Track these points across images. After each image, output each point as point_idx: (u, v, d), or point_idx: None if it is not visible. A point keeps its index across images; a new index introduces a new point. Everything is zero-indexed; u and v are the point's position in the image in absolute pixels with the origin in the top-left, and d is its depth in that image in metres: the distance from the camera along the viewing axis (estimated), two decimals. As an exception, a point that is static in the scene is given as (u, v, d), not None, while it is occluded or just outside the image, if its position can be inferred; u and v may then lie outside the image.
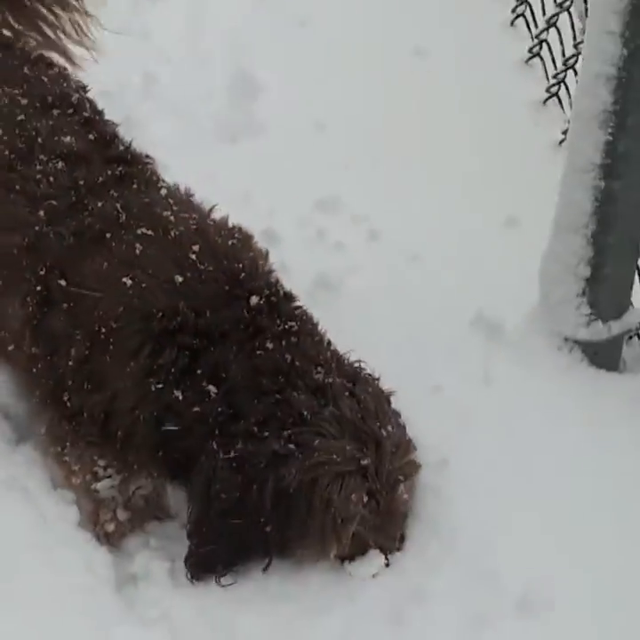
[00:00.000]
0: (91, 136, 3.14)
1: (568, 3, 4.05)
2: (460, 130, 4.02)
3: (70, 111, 3.19)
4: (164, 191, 3.10)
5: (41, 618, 2.89)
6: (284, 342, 2.91)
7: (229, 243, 3.02)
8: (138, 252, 2.95)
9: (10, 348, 3.08)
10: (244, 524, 2.88)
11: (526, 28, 4.36)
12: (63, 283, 2.96)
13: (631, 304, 3.36)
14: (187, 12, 4.37)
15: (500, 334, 3.41)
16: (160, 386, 2.88)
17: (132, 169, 3.12)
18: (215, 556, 2.93)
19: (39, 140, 3.10)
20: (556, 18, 4.12)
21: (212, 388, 2.87)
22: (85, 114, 3.20)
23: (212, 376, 2.88)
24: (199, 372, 2.88)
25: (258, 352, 2.89)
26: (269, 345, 2.89)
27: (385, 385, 3.06)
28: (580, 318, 3.30)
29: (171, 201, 3.07)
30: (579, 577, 2.95)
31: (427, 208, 3.80)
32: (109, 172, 3.08)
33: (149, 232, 2.98)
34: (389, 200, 3.80)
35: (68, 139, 3.11)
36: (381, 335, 3.29)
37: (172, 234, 2.98)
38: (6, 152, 3.08)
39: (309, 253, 3.54)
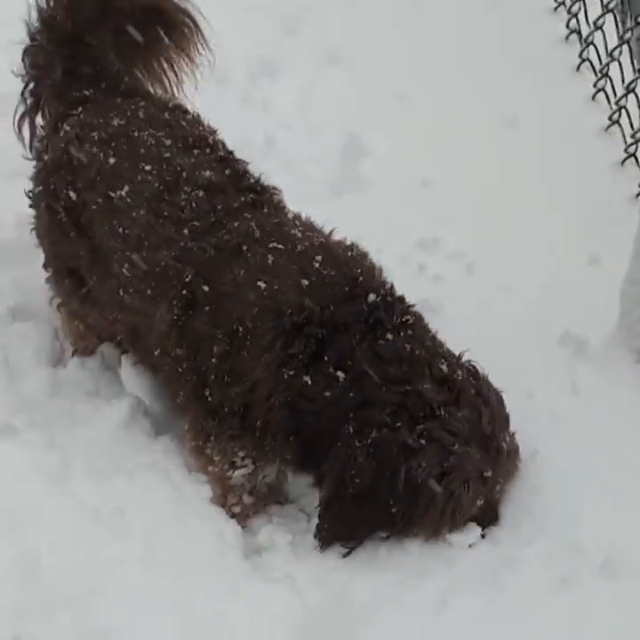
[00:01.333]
0: (226, 171, 3.35)
1: None
2: (546, 187, 4.15)
3: (208, 150, 3.40)
4: (290, 215, 3.31)
5: (180, 578, 3.05)
6: (402, 334, 3.07)
7: (348, 254, 3.21)
8: (270, 261, 3.14)
9: (156, 352, 3.26)
10: (374, 505, 3.02)
11: (606, 100, 4.47)
12: (206, 288, 3.15)
13: None
14: (301, 87, 4.53)
15: (586, 350, 3.53)
16: (292, 373, 3.04)
17: (263, 197, 3.32)
18: (346, 530, 3.08)
19: (183, 174, 3.31)
20: (634, 84, 4.20)
21: (340, 374, 3.02)
22: (220, 153, 3.42)
23: (339, 363, 3.04)
24: (326, 359, 3.04)
25: (379, 342, 3.04)
26: (389, 336, 3.05)
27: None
28: None
29: (297, 222, 3.27)
30: None
31: (518, 249, 3.91)
32: (243, 199, 3.28)
33: (280, 246, 3.17)
34: (485, 241, 3.92)
35: (207, 173, 3.32)
36: (478, 351, 3.29)
37: (299, 247, 3.18)
38: (156, 184, 3.29)
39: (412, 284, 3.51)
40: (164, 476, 3.32)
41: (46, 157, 3.52)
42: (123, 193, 3.33)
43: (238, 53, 4.18)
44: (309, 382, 3.06)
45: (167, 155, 3.37)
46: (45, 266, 3.58)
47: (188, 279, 3.19)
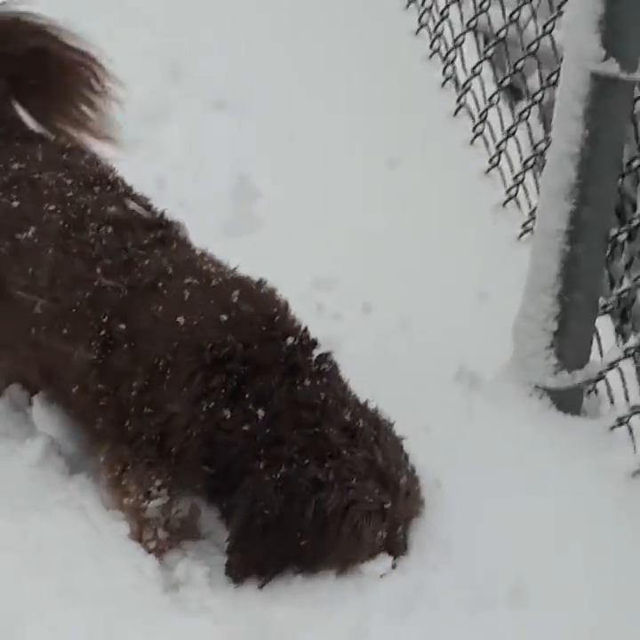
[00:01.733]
0: (128, 207, 3.41)
1: (526, 114, 4.23)
2: (434, 228, 4.25)
3: (108, 187, 3.45)
4: (198, 251, 3.39)
5: (101, 612, 3.04)
6: (317, 382, 3.17)
7: (261, 290, 3.29)
8: (187, 297, 3.21)
9: (74, 389, 3.29)
10: (283, 538, 3.09)
11: (485, 144, 4.58)
12: (123, 326, 3.20)
13: (589, 357, 3.53)
14: (189, 130, 4.58)
15: (480, 384, 3.62)
16: (211, 406, 3.11)
17: (170, 232, 3.38)
18: (255, 564, 3.14)
19: (88, 211, 3.34)
20: (514, 129, 4.33)
21: (260, 412, 3.10)
22: (121, 189, 3.47)
23: (258, 401, 3.10)
24: (247, 396, 3.11)
25: (297, 387, 3.13)
26: (307, 382, 3.15)
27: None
28: (548, 368, 3.49)
29: (205, 258, 3.35)
30: (552, 571, 3.18)
31: (412, 288, 3.99)
32: (152, 235, 3.33)
33: (195, 281, 3.24)
34: (380, 280, 4.01)
35: (112, 208, 3.36)
36: (376, 387, 3.35)
37: (214, 282, 3.25)
38: (62, 222, 3.32)
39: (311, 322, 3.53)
40: (81, 513, 3.33)
41: None
42: (29, 234, 3.37)
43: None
44: (228, 416, 3.12)
45: (69, 194, 3.41)
46: None
47: (105, 319, 3.24)
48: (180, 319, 3.20)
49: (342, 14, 5.25)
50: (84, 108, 3.77)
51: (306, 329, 3.30)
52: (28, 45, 3.66)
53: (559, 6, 3.80)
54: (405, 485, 3.21)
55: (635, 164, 3.47)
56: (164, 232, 3.40)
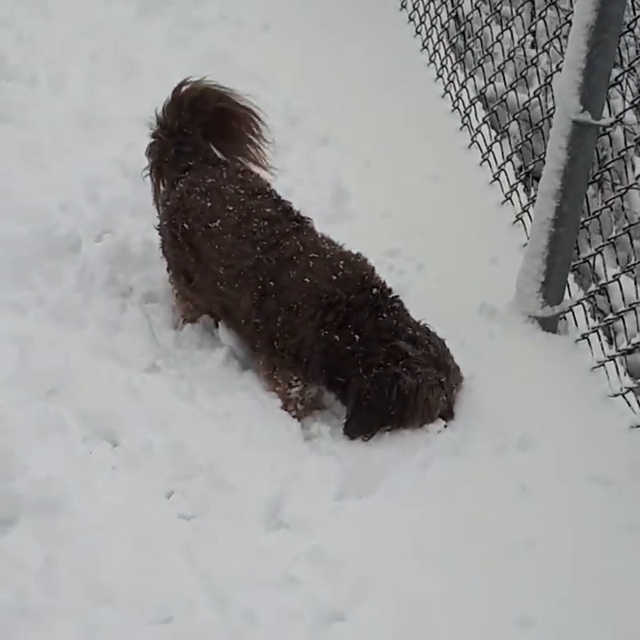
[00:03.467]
0: (279, 208, 3.45)
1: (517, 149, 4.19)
2: (457, 222, 4.18)
3: (266, 196, 3.50)
4: (319, 235, 3.44)
5: (268, 453, 3.16)
6: (391, 314, 3.27)
7: (357, 260, 3.37)
8: (311, 266, 3.30)
9: (242, 321, 3.41)
10: (379, 411, 3.22)
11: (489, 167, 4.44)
12: (272, 284, 3.32)
13: (564, 297, 3.57)
14: (305, 158, 4.49)
15: (495, 314, 3.65)
16: (327, 333, 3.23)
17: (302, 224, 3.44)
18: (363, 427, 3.26)
19: (253, 211, 3.42)
20: (511, 155, 4.26)
21: (356, 336, 3.22)
22: (274, 197, 3.51)
23: (356, 329, 3.22)
24: (349, 326, 3.22)
25: (379, 319, 3.24)
26: (385, 315, 3.25)
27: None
28: (538, 304, 3.54)
29: (323, 240, 3.41)
30: (549, 422, 3.20)
31: (444, 255, 3.96)
32: (291, 226, 3.40)
33: (316, 255, 3.32)
34: (427, 250, 3.98)
35: (268, 210, 3.43)
36: (429, 316, 3.37)
37: (328, 256, 3.33)
38: (237, 218, 3.41)
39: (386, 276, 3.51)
40: (252, 394, 3.41)
41: (168, 204, 3.61)
42: (216, 224, 3.45)
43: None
44: (338, 339, 3.22)
45: (242, 199, 3.47)
46: (168, 269, 3.66)
47: (261, 279, 3.34)
48: (307, 280, 3.29)
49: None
50: (249, 145, 3.82)
51: (385, 283, 3.37)
52: (215, 106, 3.73)
53: (546, 78, 3.83)
54: (452, 365, 3.30)
55: (597, 177, 3.55)
56: (298, 224, 3.44)
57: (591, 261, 3.56)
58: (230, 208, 3.45)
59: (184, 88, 3.69)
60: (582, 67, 3.17)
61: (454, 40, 4.87)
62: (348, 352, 3.23)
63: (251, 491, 3.04)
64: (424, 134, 4.66)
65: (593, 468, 3.11)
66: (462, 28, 4.80)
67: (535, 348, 3.53)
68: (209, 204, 3.48)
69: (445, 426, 3.27)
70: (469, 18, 4.75)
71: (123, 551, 2.79)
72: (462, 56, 4.81)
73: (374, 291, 3.30)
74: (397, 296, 3.35)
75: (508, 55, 4.24)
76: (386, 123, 4.70)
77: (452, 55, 4.93)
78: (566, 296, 3.61)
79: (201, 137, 3.72)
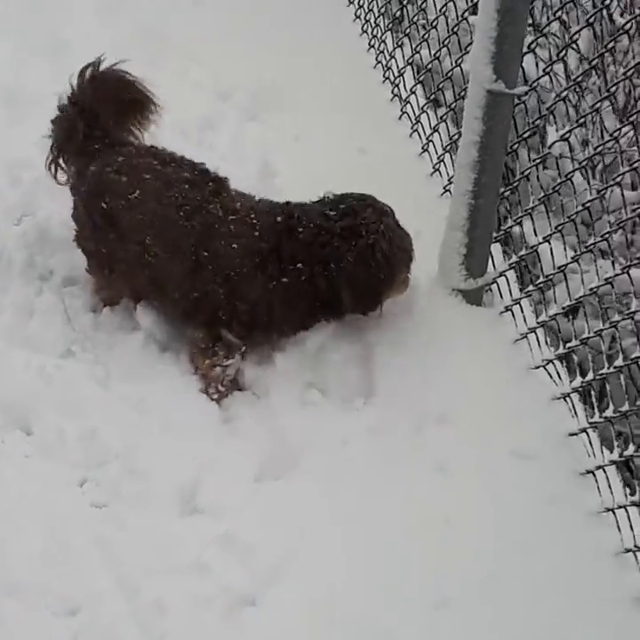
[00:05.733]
0: (195, 171, 3.39)
1: (445, 117, 4.06)
2: (384, 183, 3.78)
3: (181, 163, 3.44)
4: (234, 193, 3.40)
5: (183, 438, 3.09)
6: (307, 223, 3.30)
7: (265, 206, 3.38)
8: (234, 229, 3.27)
9: (176, 295, 3.34)
10: (372, 281, 3.29)
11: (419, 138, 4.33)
12: (206, 254, 3.27)
13: (487, 269, 3.50)
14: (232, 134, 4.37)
15: (419, 287, 3.51)
16: (275, 283, 3.27)
17: (220, 184, 3.39)
18: (368, 303, 3.36)
19: (171, 176, 3.36)
20: (437, 126, 4.14)
21: (301, 263, 3.28)
22: (187, 162, 3.45)
23: (295, 260, 3.27)
24: (290, 264, 3.27)
25: (303, 233, 3.28)
26: (303, 227, 3.29)
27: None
28: (461, 277, 3.46)
29: (239, 198, 3.38)
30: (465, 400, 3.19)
31: None
32: (209, 188, 3.36)
33: (235, 217, 3.29)
34: None
35: (185, 174, 3.37)
36: None
37: (246, 216, 3.31)
38: (156, 185, 3.33)
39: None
40: (169, 378, 3.33)
41: (83, 189, 3.51)
42: (136, 194, 3.37)
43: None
44: (287, 280, 3.27)
45: (158, 168, 3.41)
46: (87, 259, 3.57)
47: (193, 248, 3.29)
48: (235, 245, 3.26)
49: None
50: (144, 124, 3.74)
51: (287, 202, 3.42)
52: (128, 96, 3.67)
53: (466, 47, 3.69)
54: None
55: (515, 147, 3.43)
56: (215, 185, 3.39)
57: (522, 231, 3.46)
58: (147, 177, 3.38)
59: (89, 70, 3.58)
60: (494, 35, 3.08)
61: (383, 9, 4.71)
62: (305, 279, 3.25)
63: (166, 477, 2.99)
64: (354, 107, 4.54)
65: (513, 443, 3.07)
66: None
67: (458, 322, 3.44)
68: (125, 179, 3.39)
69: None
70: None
71: (31, 541, 2.75)
72: (391, 25, 4.70)
73: (279, 219, 3.31)
74: (292, 203, 3.38)
75: (432, 24, 4.10)
76: (317, 96, 4.57)
77: (382, 24, 4.80)
78: (491, 268, 3.54)
79: (110, 119, 3.61)
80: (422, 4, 4.41)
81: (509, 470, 3.00)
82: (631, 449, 2.84)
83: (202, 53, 4.80)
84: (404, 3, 4.57)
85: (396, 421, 3.12)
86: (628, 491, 2.88)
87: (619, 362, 2.92)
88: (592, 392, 3.15)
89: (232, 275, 3.25)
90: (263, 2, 5.19)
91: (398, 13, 4.66)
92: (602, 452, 3.01)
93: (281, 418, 3.17)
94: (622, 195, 2.96)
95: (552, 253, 3.35)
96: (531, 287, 3.39)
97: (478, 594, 2.66)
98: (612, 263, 3.20)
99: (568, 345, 3.20)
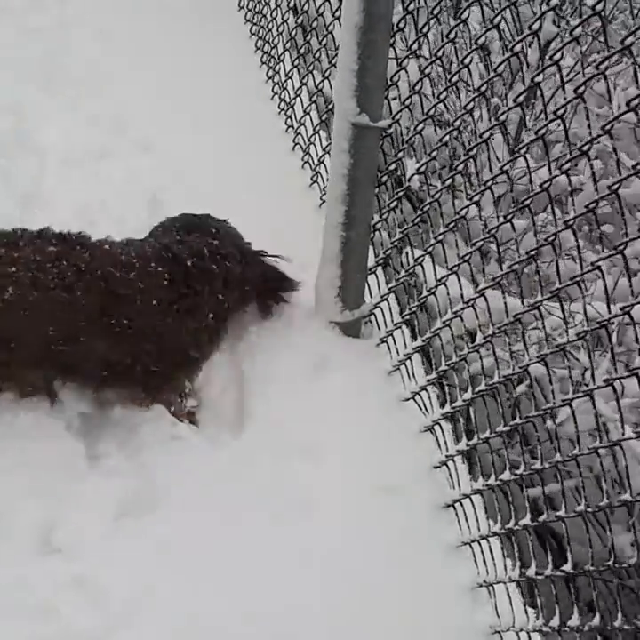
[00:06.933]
0: (53, 242, 2.96)
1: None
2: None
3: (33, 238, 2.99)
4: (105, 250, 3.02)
5: None
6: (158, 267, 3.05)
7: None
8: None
9: (104, 373, 3.04)
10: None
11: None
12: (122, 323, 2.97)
13: (364, 300, 3.48)
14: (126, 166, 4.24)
15: (293, 320, 3.49)
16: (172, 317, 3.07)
17: (87, 248, 2.99)
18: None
19: (35, 257, 2.87)
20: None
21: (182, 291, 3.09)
22: (36, 234, 2.99)
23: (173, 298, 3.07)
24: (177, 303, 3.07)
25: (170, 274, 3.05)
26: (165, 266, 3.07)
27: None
28: (337, 310, 3.44)
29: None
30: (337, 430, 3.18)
31: None
32: (81, 255, 2.96)
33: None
34: None
35: (49, 248, 2.93)
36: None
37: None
38: (29, 274, 2.85)
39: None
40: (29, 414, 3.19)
41: None
42: (10, 291, 2.86)
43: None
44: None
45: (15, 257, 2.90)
46: None
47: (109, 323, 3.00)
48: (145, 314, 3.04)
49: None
50: None
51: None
52: None
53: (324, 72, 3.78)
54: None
55: (384, 179, 3.42)
56: (84, 250, 2.99)
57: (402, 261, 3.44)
58: (13, 270, 2.86)
59: None
60: (355, 68, 3.09)
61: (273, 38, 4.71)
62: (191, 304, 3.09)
63: (23, 516, 2.90)
64: (247, 134, 4.52)
65: (378, 476, 3.05)
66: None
67: (332, 354, 3.40)
68: None
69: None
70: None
71: None
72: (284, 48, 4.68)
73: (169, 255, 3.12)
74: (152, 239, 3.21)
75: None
76: (209, 125, 4.54)
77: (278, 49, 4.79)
78: (368, 298, 3.53)
79: None
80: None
81: (371, 504, 2.97)
82: (492, 478, 2.81)
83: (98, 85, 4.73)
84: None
85: (262, 454, 3.09)
86: (490, 522, 2.83)
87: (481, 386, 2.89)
88: (460, 419, 3.11)
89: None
90: (168, 34, 5.16)
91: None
92: (460, 483, 3.00)
93: (147, 454, 3.10)
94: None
95: (425, 276, 3.31)
96: (403, 315, 3.39)
97: (326, 632, 2.61)
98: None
99: (438, 371, 3.17)
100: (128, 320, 2.92)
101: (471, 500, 2.90)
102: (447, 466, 3.02)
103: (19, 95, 4.47)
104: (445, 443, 3.13)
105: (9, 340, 2.94)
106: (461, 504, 2.89)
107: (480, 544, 2.78)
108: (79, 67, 4.91)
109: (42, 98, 4.57)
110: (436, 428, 3.15)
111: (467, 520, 2.87)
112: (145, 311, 2.95)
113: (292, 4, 4.69)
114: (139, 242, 3.16)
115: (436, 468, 3.10)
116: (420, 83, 3.11)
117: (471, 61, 2.78)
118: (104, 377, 3.01)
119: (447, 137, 3.01)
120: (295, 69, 4.56)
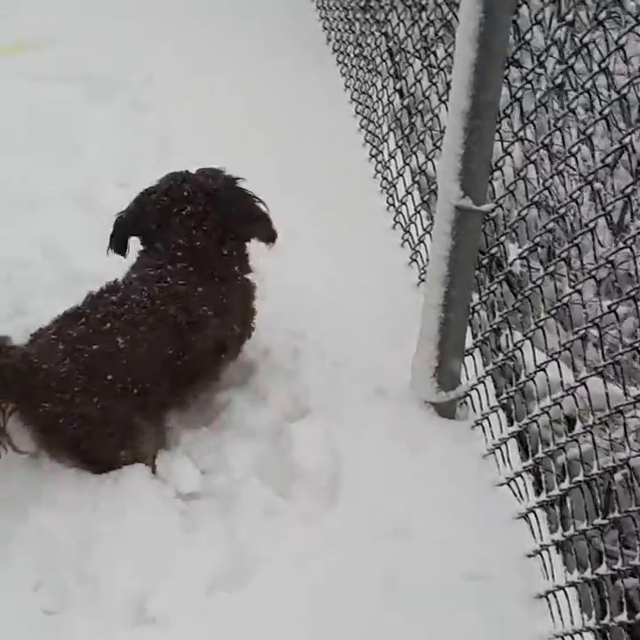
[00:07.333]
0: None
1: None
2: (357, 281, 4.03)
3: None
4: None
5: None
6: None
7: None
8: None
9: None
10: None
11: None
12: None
13: (460, 382, 3.47)
14: None
15: (390, 399, 3.51)
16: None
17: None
18: None
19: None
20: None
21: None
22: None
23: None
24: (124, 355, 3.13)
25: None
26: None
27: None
28: (432, 389, 3.43)
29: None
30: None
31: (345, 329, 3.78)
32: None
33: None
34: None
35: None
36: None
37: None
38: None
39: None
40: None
41: None
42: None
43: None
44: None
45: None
46: None
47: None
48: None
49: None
50: None
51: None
52: None
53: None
54: None
55: (484, 262, 3.44)
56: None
57: (500, 343, 3.47)
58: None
59: None
60: (460, 152, 3.10)
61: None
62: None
63: (117, 583, 2.93)
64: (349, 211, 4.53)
65: (468, 562, 3.01)
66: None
67: (427, 435, 3.40)
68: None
69: None
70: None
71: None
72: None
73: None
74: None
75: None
76: (312, 202, 4.56)
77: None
78: (464, 379, 3.50)
79: None
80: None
81: (461, 590, 2.93)
82: (588, 571, 2.75)
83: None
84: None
85: (354, 530, 3.07)
86: (584, 616, 2.77)
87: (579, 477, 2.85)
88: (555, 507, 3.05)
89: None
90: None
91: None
92: (554, 574, 2.94)
93: (242, 528, 3.12)
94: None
95: (523, 359, 3.28)
96: (500, 399, 3.37)
97: None
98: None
99: (534, 457, 3.13)
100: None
101: (565, 591, 2.81)
102: (541, 555, 2.95)
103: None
104: (540, 531, 3.07)
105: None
106: (554, 595, 2.81)
107: (573, 638, 2.70)
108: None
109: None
110: (530, 515, 3.08)
111: (560, 612, 2.80)
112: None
113: (398, 86, 4.74)
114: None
115: (529, 556, 3.02)
116: (525, 168, 3.11)
117: (579, 150, 2.78)
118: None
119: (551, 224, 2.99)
120: (399, 149, 4.59)
